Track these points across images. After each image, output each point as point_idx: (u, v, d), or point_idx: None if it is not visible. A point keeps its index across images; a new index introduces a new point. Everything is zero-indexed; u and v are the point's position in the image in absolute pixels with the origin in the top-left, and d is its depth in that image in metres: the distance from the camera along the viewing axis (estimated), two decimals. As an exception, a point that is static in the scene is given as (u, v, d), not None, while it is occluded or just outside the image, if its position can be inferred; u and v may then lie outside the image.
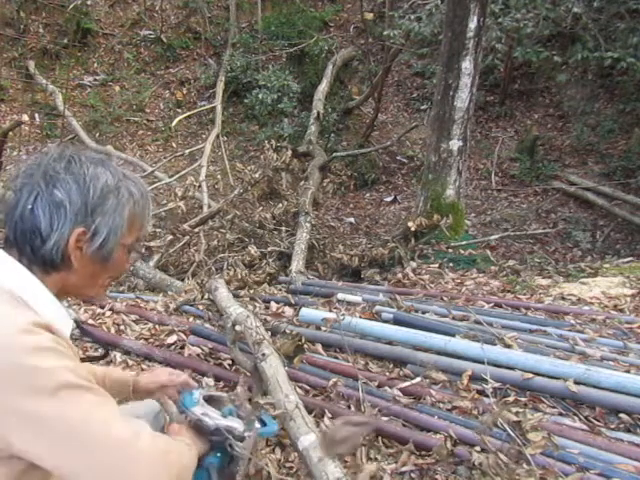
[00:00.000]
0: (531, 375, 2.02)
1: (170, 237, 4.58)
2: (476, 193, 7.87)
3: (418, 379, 2.12)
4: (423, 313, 2.71)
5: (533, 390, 2.02)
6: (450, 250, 4.29)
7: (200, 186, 5.97)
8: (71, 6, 9.56)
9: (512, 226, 6.97)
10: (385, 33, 7.57)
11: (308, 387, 2.12)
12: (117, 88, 9.72)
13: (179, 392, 1.32)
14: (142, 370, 2.32)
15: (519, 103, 9.27)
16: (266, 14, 10.33)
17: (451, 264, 4.04)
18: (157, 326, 2.70)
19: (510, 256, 5.82)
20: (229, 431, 1.11)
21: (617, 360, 2.20)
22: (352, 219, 7.30)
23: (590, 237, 6.86)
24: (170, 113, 9.40)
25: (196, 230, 4.77)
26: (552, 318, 2.77)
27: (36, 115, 8.76)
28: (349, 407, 1.97)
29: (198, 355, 2.41)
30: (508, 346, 2.24)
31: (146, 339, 2.60)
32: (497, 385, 2.02)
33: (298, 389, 2.00)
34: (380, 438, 1.83)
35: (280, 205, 5.06)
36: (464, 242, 4.42)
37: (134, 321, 2.77)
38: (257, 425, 1.17)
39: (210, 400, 1.20)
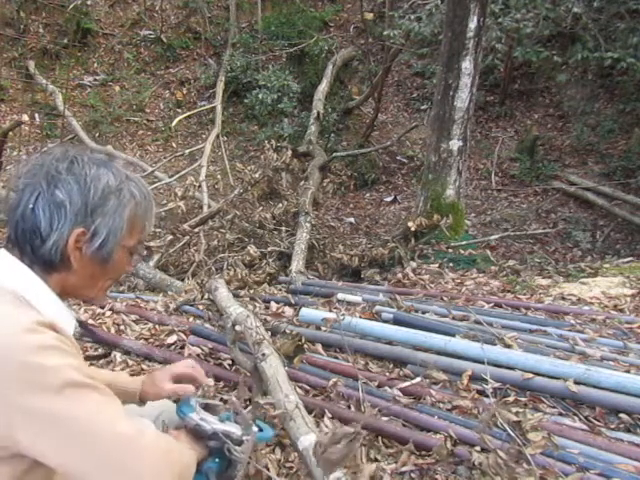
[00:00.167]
0: (531, 375, 2.02)
1: (170, 237, 4.58)
2: (476, 193, 7.87)
3: (418, 379, 2.11)
4: (423, 313, 2.71)
5: (533, 390, 2.02)
6: (450, 250, 4.29)
7: (200, 186, 5.97)
8: (71, 6, 9.56)
9: (512, 226, 6.97)
10: (385, 33, 7.57)
11: (308, 387, 2.12)
12: (117, 88, 9.72)
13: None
14: (142, 370, 2.33)
15: (519, 103, 9.27)
16: (266, 14, 10.33)
17: (451, 264, 4.04)
18: (157, 326, 2.70)
19: (510, 256, 5.82)
20: (227, 435, 1.12)
21: (617, 360, 2.20)
22: (352, 219, 7.30)
23: (590, 237, 6.86)
24: (170, 113, 9.40)
25: (196, 230, 4.77)
26: (552, 318, 2.77)
27: (36, 115, 8.76)
28: (349, 407, 1.97)
29: (198, 355, 2.40)
30: (508, 346, 2.24)
31: (146, 339, 2.60)
32: (497, 385, 2.02)
33: (298, 389, 2.00)
34: (380, 438, 1.83)
35: (280, 205, 5.06)
36: (464, 242, 4.42)
37: (134, 321, 2.77)
38: (255, 429, 1.17)
39: (206, 408, 1.21)
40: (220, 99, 8.75)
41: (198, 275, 4.12)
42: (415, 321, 2.49)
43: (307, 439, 1.38)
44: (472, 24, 4.30)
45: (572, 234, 6.82)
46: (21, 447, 0.85)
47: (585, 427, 1.83)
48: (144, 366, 2.37)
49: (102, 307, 2.85)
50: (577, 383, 1.95)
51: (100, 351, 2.48)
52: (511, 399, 1.97)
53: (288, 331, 2.28)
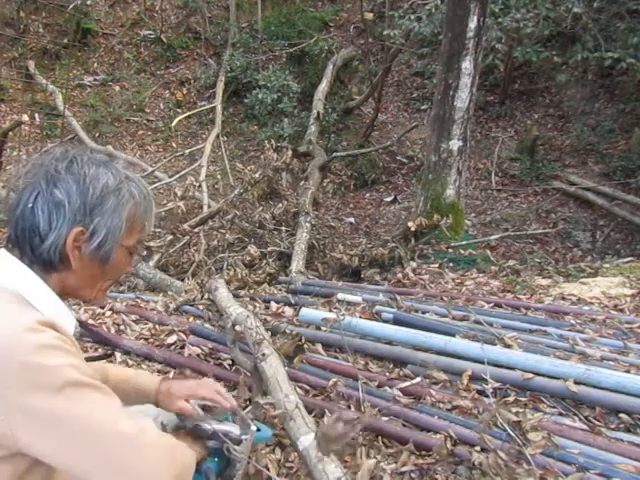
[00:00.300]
0: (531, 375, 2.02)
1: (170, 237, 4.58)
2: (476, 193, 7.87)
3: (418, 379, 2.11)
4: (423, 313, 2.71)
5: (533, 390, 2.02)
6: (450, 250, 4.29)
7: (200, 186, 5.98)
8: (71, 6, 9.57)
9: (512, 226, 6.97)
10: (385, 33, 7.57)
11: (308, 387, 2.12)
12: (117, 88, 9.72)
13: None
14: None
15: (519, 103, 9.27)
16: (266, 14, 10.33)
17: (451, 264, 4.04)
18: (157, 326, 2.70)
19: (510, 256, 5.82)
20: (226, 435, 1.12)
21: (617, 360, 2.20)
22: (352, 219, 7.30)
23: (590, 237, 6.86)
24: (170, 113, 9.40)
25: (196, 230, 4.77)
26: (552, 318, 2.77)
27: (36, 115, 8.76)
28: (349, 407, 1.97)
29: (198, 355, 2.41)
30: (508, 346, 2.24)
31: (146, 339, 2.60)
32: (497, 385, 2.02)
33: (298, 389, 2.00)
34: (380, 438, 1.83)
35: (280, 205, 5.05)
36: (464, 242, 4.43)
37: (134, 321, 2.77)
38: (253, 428, 1.17)
39: (204, 408, 1.21)
40: (220, 99, 8.75)
41: (198, 275, 4.12)
42: (415, 321, 2.49)
43: (307, 439, 1.38)
44: (472, 24, 4.31)
45: (572, 234, 6.82)
46: (22, 446, 0.85)
47: (585, 427, 1.83)
48: (144, 366, 2.37)
49: (102, 307, 2.85)
50: (577, 383, 1.95)
51: (100, 351, 2.48)
52: (511, 399, 1.97)
53: (288, 331, 2.28)
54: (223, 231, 4.79)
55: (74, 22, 9.73)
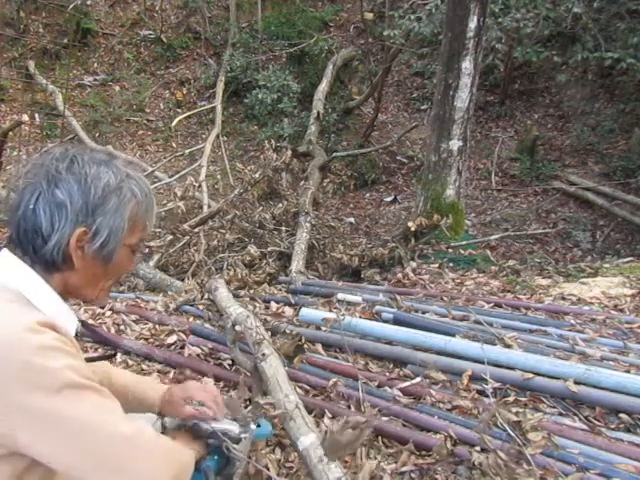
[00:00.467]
0: (531, 375, 2.02)
1: (170, 237, 4.58)
2: (476, 193, 7.87)
3: (418, 379, 2.12)
4: (423, 313, 2.71)
5: (533, 390, 2.02)
6: (450, 250, 4.29)
7: (200, 186, 5.98)
8: (71, 6, 9.57)
9: (512, 226, 6.97)
10: (385, 33, 7.57)
11: (308, 387, 2.12)
12: (117, 88, 9.72)
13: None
14: (142, 370, 2.32)
15: (519, 103, 9.27)
16: (266, 14, 10.33)
17: (451, 264, 4.04)
18: (157, 326, 2.70)
19: (510, 256, 5.82)
20: (225, 433, 1.12)
21: (617, 360, 2.20)
22: (352, 219, 7.30)
23: (590, 237, 6.86)
24: (170, 113, 9.40)
25: (196, 230, 4.77)
26: (552, 318, 2.77)
27: (36, 115, 8.76)
28: (349, 407, 1.97)
29: (198, 355, 2.41)
30: (508, 346, 2.24)
31: (146, 339, 2.60)
32: (497, 385, 2.02)
33: (298, 389, 2.00)
34: (380, 438, 1.84)
35: (280, 205, 5.05)
36: (464, 242, 4.43)
37: (134, 321, 2.77)
38: (253, 426, 1.17)
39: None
40: (220, 99, 8.75)
41: (198, 275, 4.12)
42: (415, 321, 2.49)
43: (307, 439, 1.38)
44: (472, 24, 4.31)
45: (572, 234, 6.82)
46: (21, 446, 0.85)
47: (585, 427, 1.84)
48: (144, 366, 2.37)
49: (102, 307, 2.85)
50: (577, 383, 1.96)
51: (100, 351, 2.48)
52: (511, 399, 1.97)
53: (288, 331, 2.27)
54: (223, 231, 4.79)
55: (74, 22, 9.73)
